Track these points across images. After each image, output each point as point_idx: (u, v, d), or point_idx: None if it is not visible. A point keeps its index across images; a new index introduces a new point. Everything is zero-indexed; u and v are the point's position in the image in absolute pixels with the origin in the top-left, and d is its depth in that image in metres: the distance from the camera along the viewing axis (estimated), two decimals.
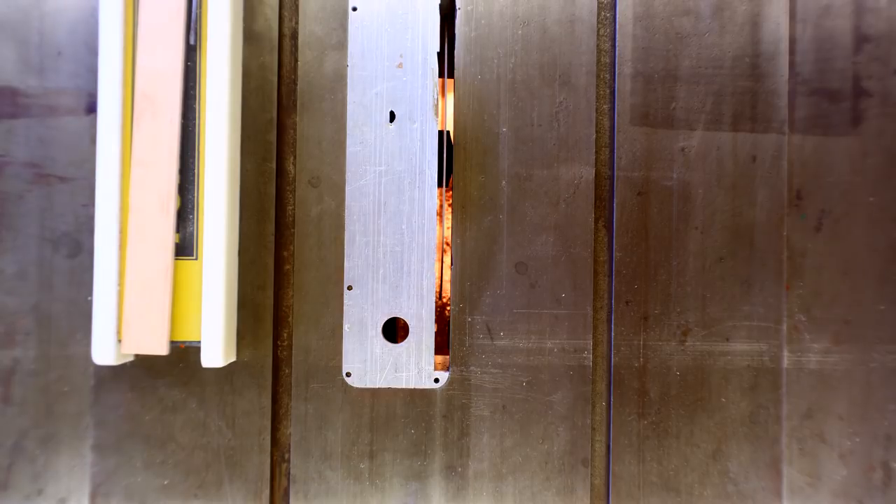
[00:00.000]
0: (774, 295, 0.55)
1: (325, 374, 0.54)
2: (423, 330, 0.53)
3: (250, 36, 0.54)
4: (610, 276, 0.55)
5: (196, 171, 0.50)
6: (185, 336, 0.50)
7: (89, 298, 0.53)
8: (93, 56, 0.53)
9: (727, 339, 0.55)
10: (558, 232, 0.55)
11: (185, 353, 0.54)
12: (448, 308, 0.56)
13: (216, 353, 0.49)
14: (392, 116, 0.53)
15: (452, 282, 0.55)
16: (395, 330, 0.57)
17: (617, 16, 0.55)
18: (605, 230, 0.56)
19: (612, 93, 0.55)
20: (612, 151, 0.55)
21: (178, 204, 0.50)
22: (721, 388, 0.55)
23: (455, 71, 0.55)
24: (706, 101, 0.55)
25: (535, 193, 0.55)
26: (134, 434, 0.54)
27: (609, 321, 0.55)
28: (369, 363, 0.53)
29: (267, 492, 0.54)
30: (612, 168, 0.55)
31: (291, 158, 0.55)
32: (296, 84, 0.55)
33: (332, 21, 0.55)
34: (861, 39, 0.55)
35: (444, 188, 0.59)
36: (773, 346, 0.55)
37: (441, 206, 0.67)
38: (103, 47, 0.49)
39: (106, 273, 0.49)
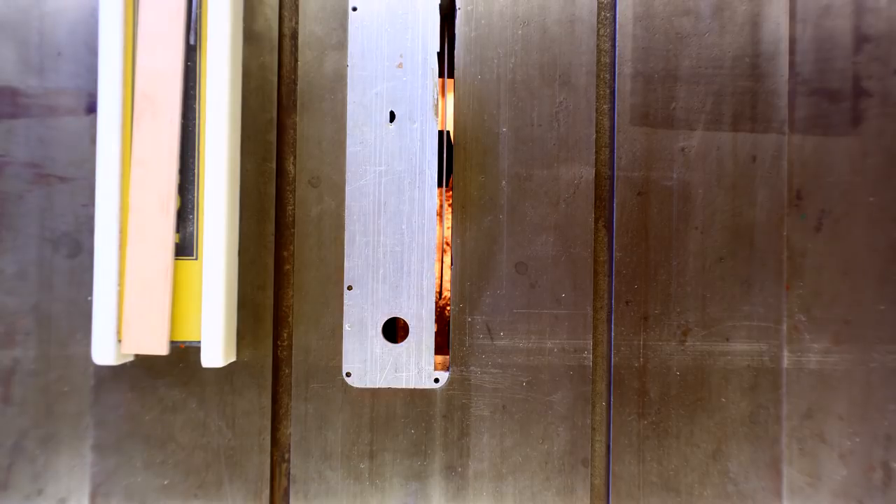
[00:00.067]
0: (774, 295, 0.55)
1: (325, 374, 0.54)
2: (423, 330, 0.53)
3: (250, 36, 0.54)
4: (610, 276, 0.55)
5: (196, 171, 0.50)
6: (185, 336, 0.50)
7: (89, 298, 0.53)
8: (93, 56, 0.53)
9: (727, 339, 0.55)
10: (558, 232, 0.55)
11: (185, 353, 0.54)
12: (448, 308, 0.56)
13: (216, 353, 0.49)
14: (392, 116, 0.53)
15: (452, 282, 0.55)
16: (395, 330, 0.57)
17: (617, 16, 0.55)
18: (605, 230, 0.56)
19: (612, 93, 0.55)
20: (612, 151, 0.55)
21: (178, 204, 0.50)
22: (721, 388, 0.55)
23: (455, 71, 0.55)
24: (706, 101, 0.55)
25: (535, 193, 0.55)
26: (134, 434, 0.54)
27: (609, 321, 0.55)
28: (369, 363, 0.53)
29: (267, 492, 0.54)
30: (612, 168, 0.55)
31: (291, 158, 0.55)
32: (296, 84, 0.55)
33: (332, 21, 0.55)
34: (861, 39, 0.55)
35: (444, 188, 0.59)
36: (773, 346, 0.55)
37: (441, 206, 0.67)
38: (103, 47, 0.49)
39: (106, 273, 0.49)
